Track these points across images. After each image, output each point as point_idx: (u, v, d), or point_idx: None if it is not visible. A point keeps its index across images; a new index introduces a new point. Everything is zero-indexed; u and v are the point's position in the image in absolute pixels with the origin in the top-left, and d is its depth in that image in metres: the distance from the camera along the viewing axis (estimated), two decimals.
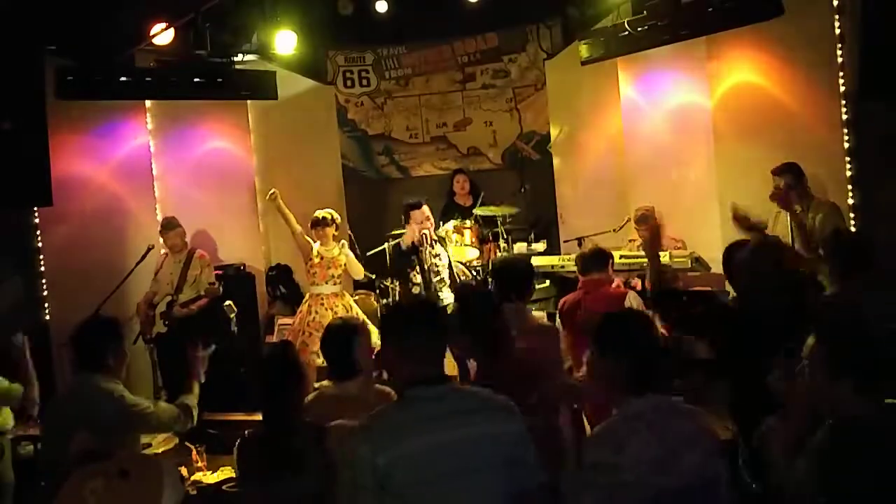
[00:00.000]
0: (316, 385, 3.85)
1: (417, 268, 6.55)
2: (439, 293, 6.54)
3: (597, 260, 5.04)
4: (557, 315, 4.88)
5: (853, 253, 4.07)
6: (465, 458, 2.40)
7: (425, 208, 6.66)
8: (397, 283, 7.64)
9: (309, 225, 6.88)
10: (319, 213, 6.89)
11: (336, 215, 6.95)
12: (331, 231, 6.84)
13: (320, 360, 6.47)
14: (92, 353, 3.74)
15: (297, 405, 3.26)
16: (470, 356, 3.54)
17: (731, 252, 3.98)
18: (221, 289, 6.77)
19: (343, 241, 7.01)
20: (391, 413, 2.55)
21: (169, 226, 6.92)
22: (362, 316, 6.71)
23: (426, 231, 6.52)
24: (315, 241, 6.84)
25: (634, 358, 2.60)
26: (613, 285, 6.36)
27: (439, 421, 2.42)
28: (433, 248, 6.57)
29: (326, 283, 6.81)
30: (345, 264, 6.87)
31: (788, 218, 5.59)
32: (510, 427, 2.51)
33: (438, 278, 6.63)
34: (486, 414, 2.51)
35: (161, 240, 7.01)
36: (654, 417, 2.53)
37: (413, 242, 6.51)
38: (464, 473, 2.39)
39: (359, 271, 7.09)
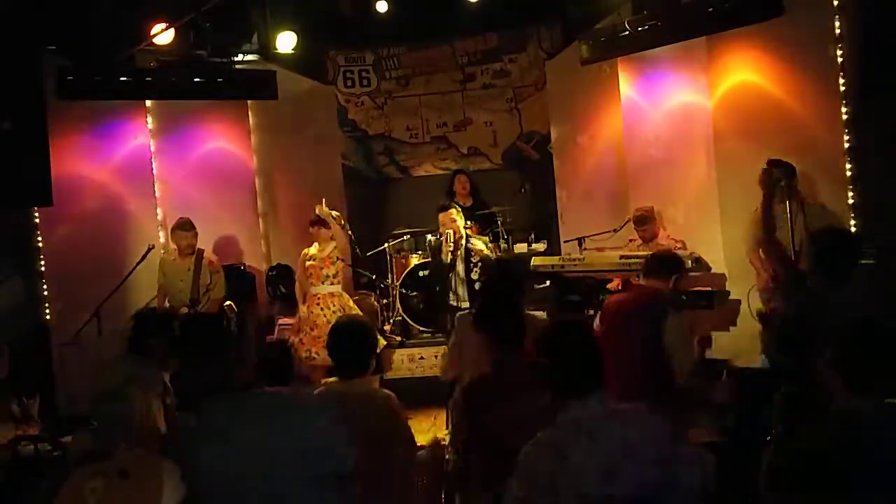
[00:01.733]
0: (322, 381, 3.87)
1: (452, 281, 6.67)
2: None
3: (662, 266, 4.59)
4: (599, 314, 4.80)
5: (836, 252, 4.05)
6: (266, 459, 2.50)
7: (451, 211, 6.83)
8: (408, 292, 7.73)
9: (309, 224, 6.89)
10: (316, 211, 6.87)
11: (332, 213, 6.86)
12: (326, 232, 6.82)
13: (319, 359, 6.56)
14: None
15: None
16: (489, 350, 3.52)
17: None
18: (235, 317, 6.78)
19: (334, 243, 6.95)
20: (192, 426, 2.64)
21: (184, 226, 6.79)
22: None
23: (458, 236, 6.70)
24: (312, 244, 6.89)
25: (567, 362, 2.61)
26: (612, 284, 6.38)
27: (237, 428, 2.52)
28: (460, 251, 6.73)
29: (323, 283, 6.81)
30: (335, 266, 6.85)
31: (789, 212, 5.61)
32: (310, 422, 2.64)
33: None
34: (283, 415, 2.63)
35: (170, 239, 6.93)
36: (593, 424, 2.49)
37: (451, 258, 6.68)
38: (267, 473, 2.49)
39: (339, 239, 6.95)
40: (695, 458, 2.54)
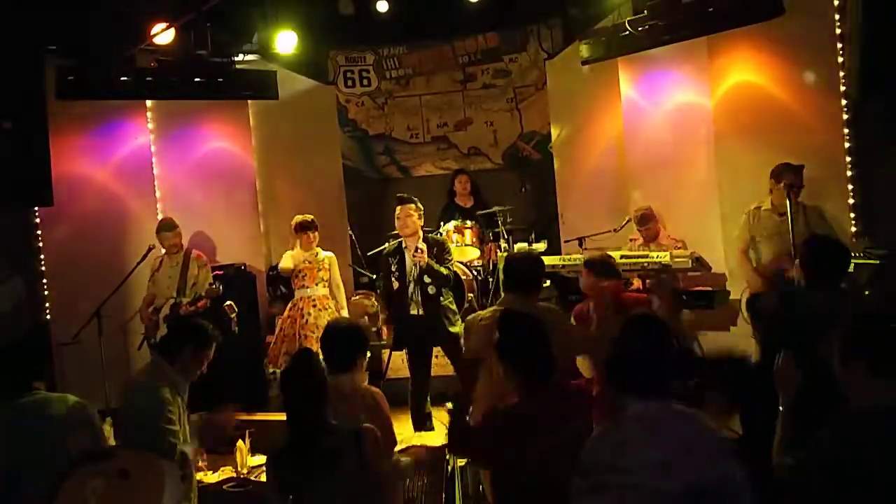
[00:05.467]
0: None
1: (396, 269, 6.10)
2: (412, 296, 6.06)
3: (608, 268, 4.83)
4: (573, 321, 4.81)
5: (826, 258, 4.04)
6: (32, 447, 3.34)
7: (409, 207, 6.09)
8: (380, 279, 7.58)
9: (293, 229, 6.85)
10: (304, 217, 6.84)
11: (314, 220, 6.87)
12: (315, 235, 6.81)
13: None
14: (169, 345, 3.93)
15: (323, 407, 3.23)
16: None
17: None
18: (221, 289, 6.76)
19: (329, 253, 6.93)
20: None
21: (167, 227, 6.87)
22: (345, 314, 6.75)
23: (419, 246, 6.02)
24: (294, 248, 6.87)
25: (636, 361, 2.64)
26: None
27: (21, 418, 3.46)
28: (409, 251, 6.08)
29: (317, 284, 6.78)
30: (329, 271, 6.83)
31: (789, 215, 5.61)
32: (72, 414, 3.51)
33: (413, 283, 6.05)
34: (49, 408, 3.50)
35: (157, 240, 6.96)
36: (654, 421, 2.56)
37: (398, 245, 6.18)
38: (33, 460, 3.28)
39: (338, 286, 6.92)
40: (737, 457, 2.57)
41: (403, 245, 6.14)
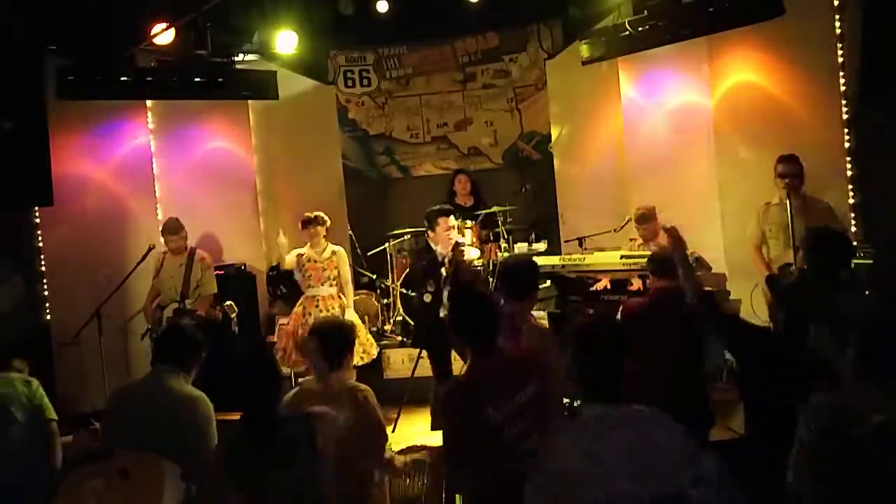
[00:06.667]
0: (299, 381, 3.89)
1: (433, 280, 6.13)
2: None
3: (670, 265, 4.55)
4: (619, 318, 4.72)
5: (832, 251, 4.02)
6: None
7: (451, 218, 6.33)
8: (408, 292, 7.61)
9: (300, 225, 6.88)
10: (309, 213, 6.86)
11: (325, 216, 6.90)
12: (322, 230, 6.81)
13: None
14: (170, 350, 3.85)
15: (276, 400, 3.30)
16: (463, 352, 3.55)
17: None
18: (221, 317, 6.76)
19: (339, 248, 6.97)
20: None
21: (172, 230, 6.78)
22: (356, 320, 6.72)
23: (459, 240, 6.26)
24: (304, 246, 6.88)
25: (588, 366, 2.64)
26: (599, 285, 6.37)
27: None
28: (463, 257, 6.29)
29: (322, 284, 6.79)
30: (337, 269, 6.85)
31: (789, 209, 5.59)
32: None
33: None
34: None
35: (162, 241, 6.94)
36: (597, 424, 2.53)
37: (447, 255, 6.21)
38: None
39: (346, 282, 6.96)
40: (713, 473, 2.50)
41: (437, 253, 6.25)
